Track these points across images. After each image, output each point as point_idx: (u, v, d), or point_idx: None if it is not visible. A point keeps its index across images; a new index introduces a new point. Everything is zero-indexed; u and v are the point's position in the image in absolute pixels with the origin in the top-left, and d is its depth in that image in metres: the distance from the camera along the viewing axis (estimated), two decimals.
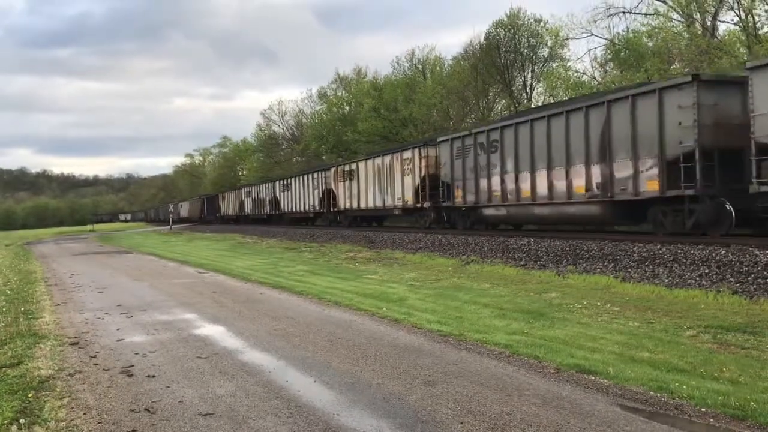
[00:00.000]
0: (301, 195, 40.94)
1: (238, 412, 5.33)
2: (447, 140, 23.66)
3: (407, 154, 26.65)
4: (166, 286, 14.74)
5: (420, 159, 25.61)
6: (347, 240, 26.03)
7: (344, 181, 32.75)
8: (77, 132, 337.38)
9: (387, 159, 28.61)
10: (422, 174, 25.44)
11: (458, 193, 22.81)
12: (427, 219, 26.06)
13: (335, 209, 34.74)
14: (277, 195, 46.10)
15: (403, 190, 27.02)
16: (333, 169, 34.73)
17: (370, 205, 30.14)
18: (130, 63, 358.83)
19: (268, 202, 48.69)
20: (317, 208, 37.66)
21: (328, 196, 35.42)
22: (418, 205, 25.83)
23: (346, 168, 32.97)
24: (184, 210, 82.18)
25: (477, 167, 21.75)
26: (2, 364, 7.15)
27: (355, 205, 31.81)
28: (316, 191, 37.84)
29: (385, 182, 28.66)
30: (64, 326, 9.74)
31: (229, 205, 62.25)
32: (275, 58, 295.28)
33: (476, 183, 21.77)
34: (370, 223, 33.97)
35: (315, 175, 38.07)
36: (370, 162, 30.21)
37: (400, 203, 27.26)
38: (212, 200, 70.54)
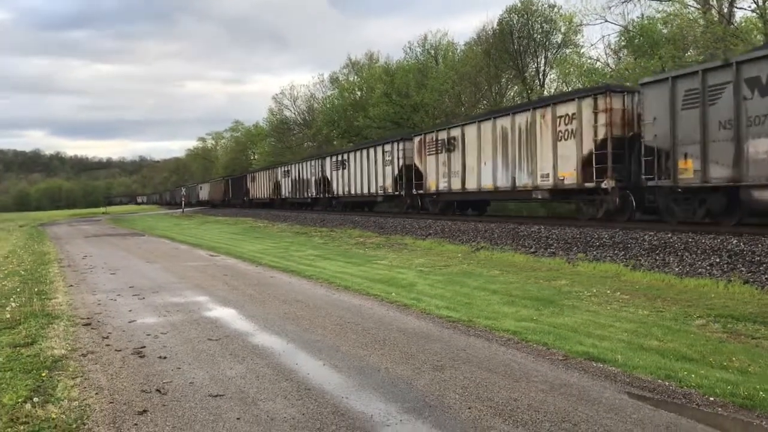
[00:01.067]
0: (363, 173, 32.73)
1: (248, 394, 5.39)
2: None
3: (571, 108, 17.88)
4: (177, 269, 14.85)
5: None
6: (357, 225, 26.07)
7: (437, 153, 25.40)
8: (91, 114, 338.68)
9: (522, 117, 20.16)
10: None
11: None
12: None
13: (420, 191, 27.31)
14: (328, 174, 37.75)
15: (562, 161, 18.38)
16: (417, 139, 27.32)
17: (485, 184, 22.26)
18: (143, 46, 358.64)
19: (314, 183, 40.72)
20: (389, 190, 30.05)
21: (409, 174, 28.13)
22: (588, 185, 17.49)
23: (441, 136, 25.19)
24: (204, 192, 77.06)
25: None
26: (16, 343, 7.25)
27: (456, 186, 24.21)
28: (388, 168, 30.12)
29: (524, 150, 20.06)
30: (77, 307, 9.85)
31: (260, 187, 54.64)
32: (286, 42, 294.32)
33: None
34: (482, 212, 26.70)
35: (387, 147, 30.36)
36: (487, 124, 22.06)
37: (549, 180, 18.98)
38: (239, 181, 63.06)
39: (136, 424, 4.76)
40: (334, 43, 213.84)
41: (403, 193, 28.62)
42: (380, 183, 30.74)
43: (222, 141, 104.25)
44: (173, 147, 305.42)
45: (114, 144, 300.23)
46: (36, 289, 11.49)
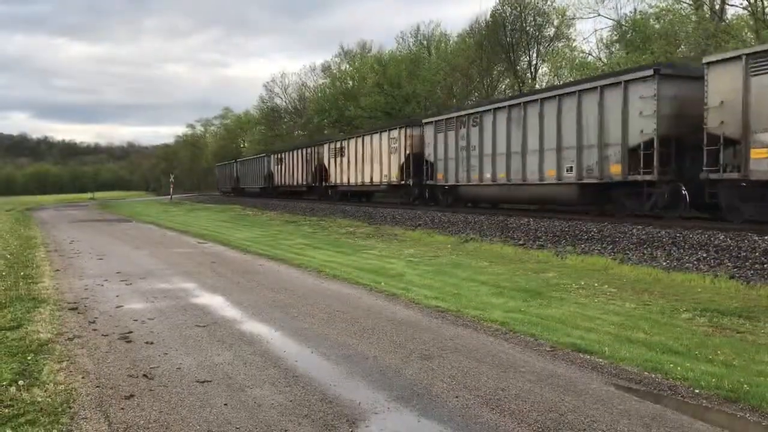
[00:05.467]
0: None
1: (236, 380, 5.38)
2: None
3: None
4: (165, 255, 14.77)
5: None
6: (347, 215, 26.05)
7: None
8: (73, 97, 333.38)
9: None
10: None
11: None
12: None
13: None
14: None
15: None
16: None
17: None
18: (120, 23, 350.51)
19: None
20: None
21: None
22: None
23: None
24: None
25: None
26: (2, 326, 7.19)
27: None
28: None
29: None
30: (64, 291, 9.78)
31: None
32: (275, 22, 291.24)
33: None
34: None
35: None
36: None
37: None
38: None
39: (122, 408, 4.74)
40: (322, 23, 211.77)
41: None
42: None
43: (211, 128, 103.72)
44: (162, 132, 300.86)
45: (101, 128, 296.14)
46: (22, 273, 11.39)
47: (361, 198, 33.48)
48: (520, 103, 19.57)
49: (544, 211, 20.25)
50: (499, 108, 20.64)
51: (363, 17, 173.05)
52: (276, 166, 46.13)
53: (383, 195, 31.13)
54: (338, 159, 33.78)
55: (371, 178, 29.78)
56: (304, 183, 39.99)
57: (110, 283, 10.64)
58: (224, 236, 19.68)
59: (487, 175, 21.05)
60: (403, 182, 26.79)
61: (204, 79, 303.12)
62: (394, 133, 27.54)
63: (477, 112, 21.84)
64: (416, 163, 25.83)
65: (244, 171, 57.72)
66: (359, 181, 31.25)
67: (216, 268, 12.40)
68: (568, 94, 17.76)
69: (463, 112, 23.01)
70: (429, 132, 24.94)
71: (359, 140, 31.20)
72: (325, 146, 36.12)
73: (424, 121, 25.92)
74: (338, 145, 33.96)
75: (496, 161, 20.58)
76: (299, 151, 41.14)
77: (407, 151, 26.26)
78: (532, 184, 19.05)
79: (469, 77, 40.75)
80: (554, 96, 18.20)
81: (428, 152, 24.91)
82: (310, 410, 4.68)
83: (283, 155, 44.50)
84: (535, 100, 18.90)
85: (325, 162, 35.94)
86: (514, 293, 9.32)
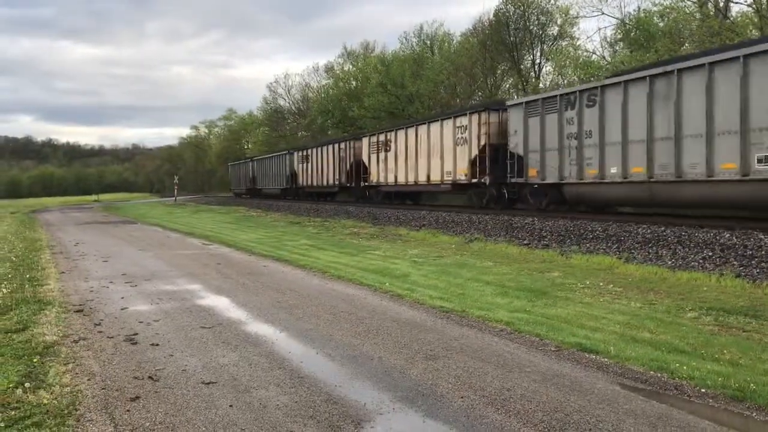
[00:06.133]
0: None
1: (241, 382, 5.38)
2: None
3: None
4: (170, 257, 14.80)
5: None
6: (351, 216, 26.06)
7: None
8: (77, 99, 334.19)
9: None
10: None
11: None
12: None
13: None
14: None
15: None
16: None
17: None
18: (123, 26, 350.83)
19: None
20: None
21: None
22: None
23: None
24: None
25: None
26: (8, 329, 7.21)
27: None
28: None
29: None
30: (69, 294, 9.81)
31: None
32: (279, 24, 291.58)
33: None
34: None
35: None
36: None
37: None
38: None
39: (128, 411, 4.74)
40: (327, 25, 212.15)
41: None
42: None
43: (215, 129, 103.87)
44: (167, 134, 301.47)
45: (105, 130, 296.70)
46: (28, 276, 11.43)
47: (405, 200, 29.86)
48: (670, 71, 14.39)
49: (717, 218, 15.37)
50: (632, 80, 15.62)
51: (366, 18, 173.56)
52: (300, 165, 41.23)
53: (444, 196, 26.82)
54: (382, 154, 29.05)
55: (428, 176, 25.02)
56: (336, 183, 35.45)
57: (115, 285, 10.67)
58: (229, 238, 19.70)
59: (613, 170, 16.18)
60: (475, 180, 21.97)
61: (207, 80, 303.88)
62: (463, 120, 22.52)
63: (593, 88, 16.93)
64: (494, 157, 21.16)
65: (262, 170, 51.53)
66: (411, 179, 26.53)
67: (221, 270, 12.41)
68: (761, 53, 12.52)
69: (569, 90, 18.11)
70: (516, 116, 19.85)
71: (411, 131, 26.38)
72: (365, 140, 31.47)
73: (508, 103, 21.04)
74: (382, 137, 29.12)
75: (629, 151, 15.68)
76: (329, 147, 36.44)
77: (482, 142, 21.51)
78: (692, 181, 14.08)
79: (472, 77, 40.71)
80: (734, 58, 12.98)
81: (514, 142, 19.89)
82: (315, 411, 4.68)
83: (309, 152, 39.68)
84: (697, 67, 13.76)
85: (364, 158, 31.33)
86: (519, 293, 9.30)
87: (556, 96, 18.26)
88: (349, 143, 34.19)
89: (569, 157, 17.63)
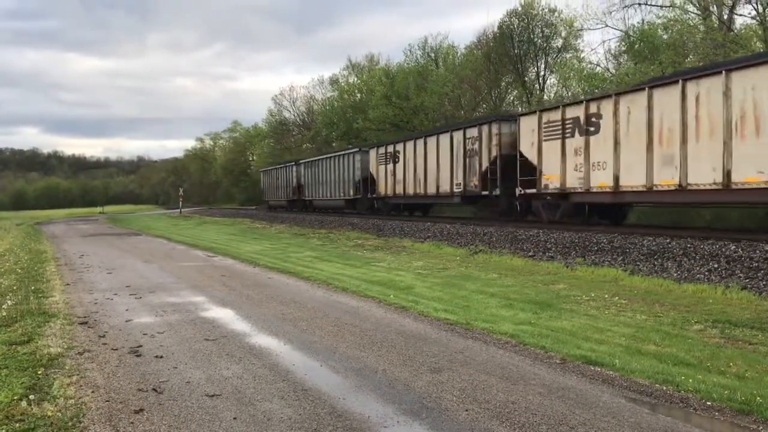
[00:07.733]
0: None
1: (245, 394, 5.37)
2: None
3: None
4: (175, 269, 14.82)
5: None
6: (355, 227, 26.07)
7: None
8: (82, 111, 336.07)
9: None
10: None
11: None
12: None
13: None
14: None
15: None
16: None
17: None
18: (127, 38, 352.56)
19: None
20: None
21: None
22: None
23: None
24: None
25: None
26: (13, 341, 7.23)
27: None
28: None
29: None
30: (74, 306, 9.83)
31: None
32: (284, 36, 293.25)
33: None
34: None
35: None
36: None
37: None
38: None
39: (132, 423, 4.74)
40: (332, 38, 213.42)
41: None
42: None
43: (220, 141, 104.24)
44: (172, 146, 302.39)
45: (110, 142, 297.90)
46: (32, 288, 11.46)
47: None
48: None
49: None
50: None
51: (370, 31, 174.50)
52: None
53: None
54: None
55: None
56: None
57: (120, 297, 10.68)
58: (234, 250, 19.73)
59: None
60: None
61: (212, 92, 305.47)
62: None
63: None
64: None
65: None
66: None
67: (225, 282, 12.42)
68: None
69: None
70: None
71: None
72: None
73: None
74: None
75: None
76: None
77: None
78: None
79: (477, 89, 40.79)
80: None
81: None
82: (319, 424, 4.66)
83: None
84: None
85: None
86: (524, 305, 9.28)
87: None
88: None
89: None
